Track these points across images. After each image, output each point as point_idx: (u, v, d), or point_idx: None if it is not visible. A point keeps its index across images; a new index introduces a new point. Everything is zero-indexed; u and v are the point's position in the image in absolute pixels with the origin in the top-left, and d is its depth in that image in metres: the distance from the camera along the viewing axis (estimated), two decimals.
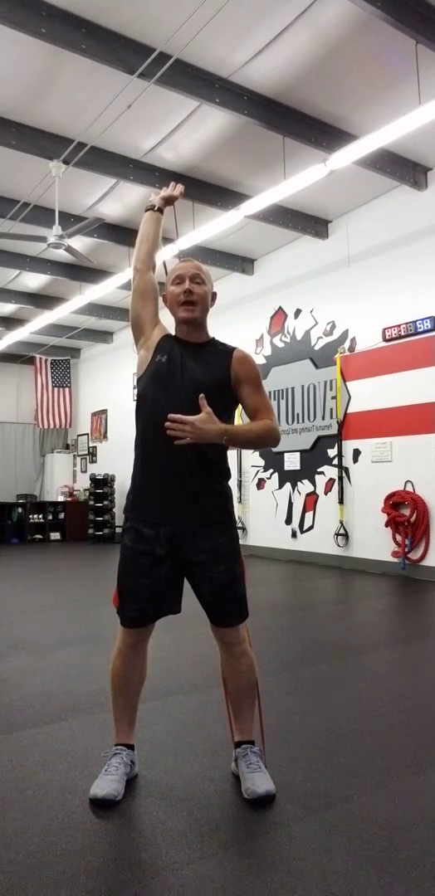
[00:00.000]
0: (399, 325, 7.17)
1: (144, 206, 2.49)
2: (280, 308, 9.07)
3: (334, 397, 8.02)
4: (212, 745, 2.59)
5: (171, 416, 2.03)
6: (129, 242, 7.96)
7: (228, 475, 2.29)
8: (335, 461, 8.01)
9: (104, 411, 13.54)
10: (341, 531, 7.86)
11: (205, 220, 7.12)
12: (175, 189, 2.52)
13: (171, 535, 2.17)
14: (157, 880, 1.73)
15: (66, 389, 14.15)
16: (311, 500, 8.45)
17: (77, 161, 6.08)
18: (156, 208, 2.45)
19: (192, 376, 2.19)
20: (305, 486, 8.56)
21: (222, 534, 2.21)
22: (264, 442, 2.28)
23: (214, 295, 2.35)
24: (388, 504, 7.17)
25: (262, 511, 9.23)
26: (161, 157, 6.51)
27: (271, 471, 9.13)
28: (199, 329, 2.29)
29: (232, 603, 2.21)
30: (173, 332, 2.32)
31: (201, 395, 2.06)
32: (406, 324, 7.09)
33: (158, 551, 2.17)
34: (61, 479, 14.22)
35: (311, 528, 8.44)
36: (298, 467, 8.67)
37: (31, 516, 12.88)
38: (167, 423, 2.02)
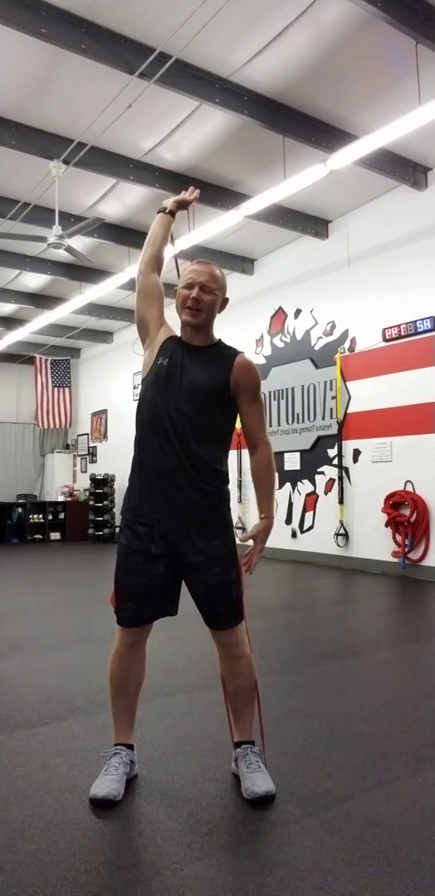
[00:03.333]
0: (399, 325, 7.17)
1: (157, 209, 2.48)
2: (280, 308, 9.07)
3: (334, 397, 8.02)
4: (212, 745, 2.59)
5: (250, 567, 2.25)
6: (129, 242, 7.96)
7: (225, 479, 2.29)
8: (335, 461, 8.01)
9: (104, 411, 13.54)
10: (341, 531, 7.86)
11: (205, 220, 7.12)
12: (191, 194, 2.50)
13: (165, 534, 2.18)
14: (157, 880, 1.73)
15: (66, 389, 14.15)
16: (311, 500, 8.45)
17: (77, 161, 6.08)
18: (167, 211, 2.44)
19: (191, 380, 2.19)
20: (305, 486, 8.55)
21: (217, 536, 2.21)
22: (275, 471, 2.39)
23: (226, 301, 2.33)
24: (388, 504, 7.17)
25: None
26: (161, 157, 6.51)
27: None
28: (202, 332, 2.28)
29: (224, 605, 2.20)
30: (179, 333, 2.32)
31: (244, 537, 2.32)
32: (406, 324, 7.09)
33: (153, 550, 2.18)
34: (61, 479, 14.21)
35: (311, 528, 8.44)
36: (298, 467, 8.66)
37: (31, 516, 12.87)
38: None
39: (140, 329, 2.37)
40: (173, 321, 2.35)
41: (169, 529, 2.18)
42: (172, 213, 2.46)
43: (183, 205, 2.49)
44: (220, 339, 2.33)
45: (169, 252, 2.46)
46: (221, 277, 2.29)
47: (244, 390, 2.24)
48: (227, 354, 2.27)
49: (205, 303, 2.22)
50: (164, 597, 2.22)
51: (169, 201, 2.47)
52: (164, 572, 2.19)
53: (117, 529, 11.91)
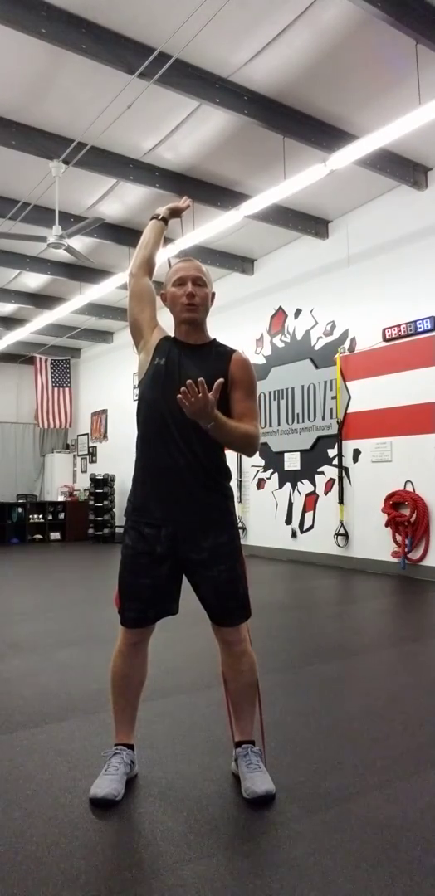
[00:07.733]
0: (399, 325, 7.17)
1: (151, 215, 2.52)
2: (280, 308, 9.07)
3: (334, 397, 8.02)
4: (212, 745, 2.59)
5: (189, 382, 1.92)
6: (129, 242, 7.96)
7: (228, 475, 2.29)
8: (335, 461, 8.01)
9: (104, 411, 13.54)
10: (341, 531, 7.86)
11: (205, 220, 7.11)
12: (184, 203, 2.55)
13: (172, 535, 2.18)
14: (157, 880, 1.73)
15: (66, 389, 14.15)
16: (311, 500, 8.45)
17: (77, 161, 6.08)
18: (160, 217, 2.48)
19: (190, 377, 2.19)
20: (305, 486, 8.55)
21: (223, 533, 2.21)
22: (244, 444, 2.21)
23: (213, 295, 2.37)
24: (388, 504, 7.17)
25: (262, 511, 9.23)
26: (161, 157, 6.50)
27: (271, 471, 9.13)
28: (198, 330, 2.30)
29: (233, 601, 2.21)
30: (172, 334, 2.33)
31: (201, 380, 1.95)
32: (406, 324, 7.09)
33: (159, 550, 2.18)
34: (61, 479, 14.22)
35: (311, 528, 8.44)
36: (298, 467, 8.66)
37: (31, 516, 12.87)
38: (182, 390, 1.94)
39: (134, 332, 2.38)
40: (167, 323, 2.36)
41: (176, 528, 2.18)
42: (165, 220, 2.50)
43: (176, 213, 2.54)
44: (215, 339, 2.35)
45: (159, 258, 2.48)
46: (207, 271, 2.34)
47: (239, 386, 2.23)
48: (223, 352, 2.29)
49: (200, 297, 2.25)
50: (167, 597, 2.23)
51: (162, 209, 2.52)
52: (168, 573, 2.20)
53: (117, 530, 11.96)
